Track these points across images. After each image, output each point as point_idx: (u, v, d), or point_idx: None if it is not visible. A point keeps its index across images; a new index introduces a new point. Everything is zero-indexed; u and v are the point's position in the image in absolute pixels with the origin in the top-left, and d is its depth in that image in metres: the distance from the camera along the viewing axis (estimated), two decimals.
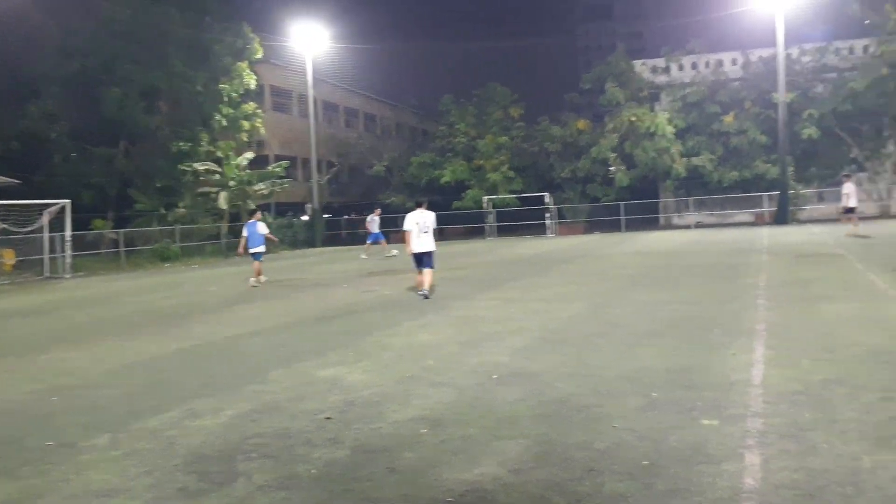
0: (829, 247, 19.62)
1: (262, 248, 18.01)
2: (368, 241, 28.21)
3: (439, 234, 40.41)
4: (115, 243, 30.57)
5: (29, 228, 24.14)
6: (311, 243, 40.07)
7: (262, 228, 18.15)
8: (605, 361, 7.05)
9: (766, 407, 5.28)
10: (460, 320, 10.27)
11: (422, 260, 13.14)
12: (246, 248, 17.99)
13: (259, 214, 18.83)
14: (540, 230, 40.02)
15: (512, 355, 7.57)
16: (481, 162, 44.00)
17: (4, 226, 23.69)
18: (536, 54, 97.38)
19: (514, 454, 4.57)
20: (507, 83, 47.27)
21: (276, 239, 22.37)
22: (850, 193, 23.76)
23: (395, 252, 25.82)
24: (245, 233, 18.05)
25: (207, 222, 34.67)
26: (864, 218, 33.02)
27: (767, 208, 38.41)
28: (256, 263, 18.08)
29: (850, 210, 23.94)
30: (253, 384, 6.97)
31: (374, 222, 28.41)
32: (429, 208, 13.41)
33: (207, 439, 5.29)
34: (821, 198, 40.05)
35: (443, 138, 46.89)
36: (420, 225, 13.05)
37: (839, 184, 38.63)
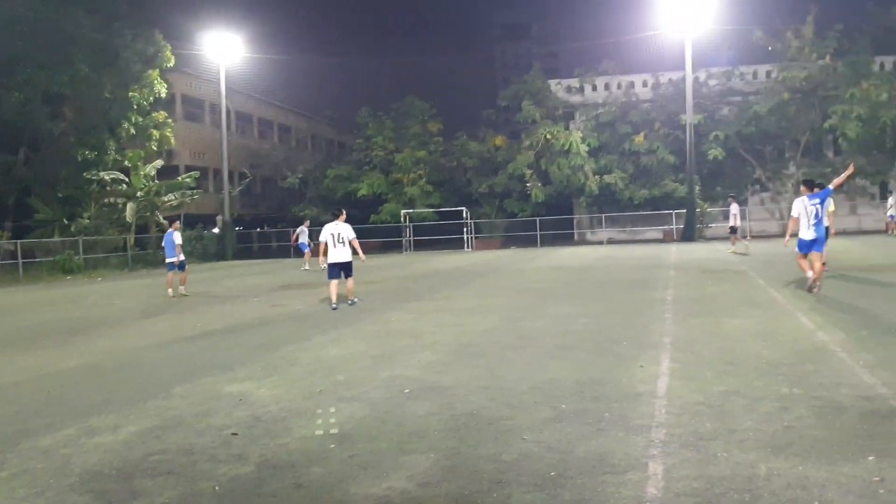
0: (732, 263, 20.44)
1: (176, 259, 17.78)
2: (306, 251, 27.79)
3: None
4: (13, 254, 29.06)
5: None
6: (221, 256, 39.10)
7: (178, 238, 17.91)
8: (516, 374, 7.11)
9: (669, 418, 5.42)
10: (372, 334, 10.19)
11: (338, 271, 13.28)
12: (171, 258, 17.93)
13: (177, 224, 18.58)
14: (457, 244, 40.31)
15: (424, 369, 7.55)
16: (399, 176, 44.00)
17: None
18: (455, 71, 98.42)
19: (422, 468, 4.54)
20: (426, 98, 47.56)
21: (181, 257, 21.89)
22: (736, 214, 25.38)
23: (307, 267, 25.51)
24: (164, 243, 18.15)
25: (113, 234, 33.40)
26: (767, 236, 34.68)
27: (676, 226, 39.80)
28: (170, 274, 17.89)
29: (734, 230, 25.47)
30: (156, 399, 6.73)
31: (304, 233, 28.12)
32: (346, 221, 13.48)
33: (105, 457, 5.06)
34: (725, 216, 41.82)
35: (360, 151, 46.71)
36: (336, 236, 13.17)
37: (743, 203, 40.64)
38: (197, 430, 5.64)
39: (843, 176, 13.74)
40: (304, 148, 60.12)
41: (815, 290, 12.31)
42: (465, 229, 40.65)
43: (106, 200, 33.55)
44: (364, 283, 18.60)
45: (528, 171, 41.87)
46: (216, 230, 42.41)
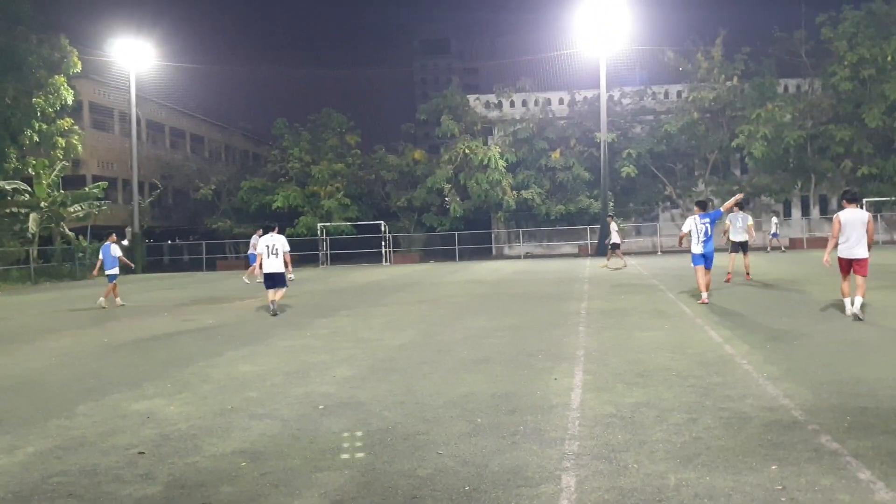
0: (644, 277, 21.06)
1: (115, 271, 18.23)
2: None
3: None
4: None
5: None
6: (130, 269, 37.73)
7: (116, 251, 18.33)
8: (432, 389, 7.12)
9: (582, 430, 5.52)
10: (287, 350, 10.02)
11: (273, 280, 14.33)
12: (101, 270, 18.26)
13: (114, 237, 18.90)
14: (375, 258, 40.16)
15: (339, 385, 7.47)
16: (315, 188, 43.55)
17: None
18: (374, 84, 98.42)
19: (336, 485, 4.49)
20: (344, 110, 47.37)
21: (131, 264, 21.48)
22: (615, 231, 27.00)
23: (246, 280, 24.97)
24: (101, 255, 18.34)
25: (14, 245, 31.81)
26: (677, 251, 35.87)
27: (590, 240, 40.76)
28: (110, 285, 18.19)
29: (616, 245, 26.88)
30: (58, 419, 6.43)
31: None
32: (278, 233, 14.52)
33: (1, 480, 4.79)
34: (638, 231, 43.23)
35: (275, 163, 46.07)
36: (270, 247, 14.22)
37: (654, 219, 42.14)
38: (101, 450, 5.43)
39: (731, 200, 16.10)
40: (218, 159, 58.85)
41: (704, 300, 13.49)
42: (383, 243, 40.54)
43: (7, 210, 31.94)
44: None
45: (447, 186, 42.18)
46: (125, 242, 40.91)
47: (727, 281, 17.47)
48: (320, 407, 6.53)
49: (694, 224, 13.83)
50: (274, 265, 14.24)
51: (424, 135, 51.35)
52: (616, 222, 27.87)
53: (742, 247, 18.24)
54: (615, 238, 26.81)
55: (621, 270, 24.46)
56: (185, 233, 48.41)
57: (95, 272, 18.90)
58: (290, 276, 14.67)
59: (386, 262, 39.61)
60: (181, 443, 5.55)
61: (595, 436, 5.35)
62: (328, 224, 42.03)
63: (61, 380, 8.47)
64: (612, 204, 39.77)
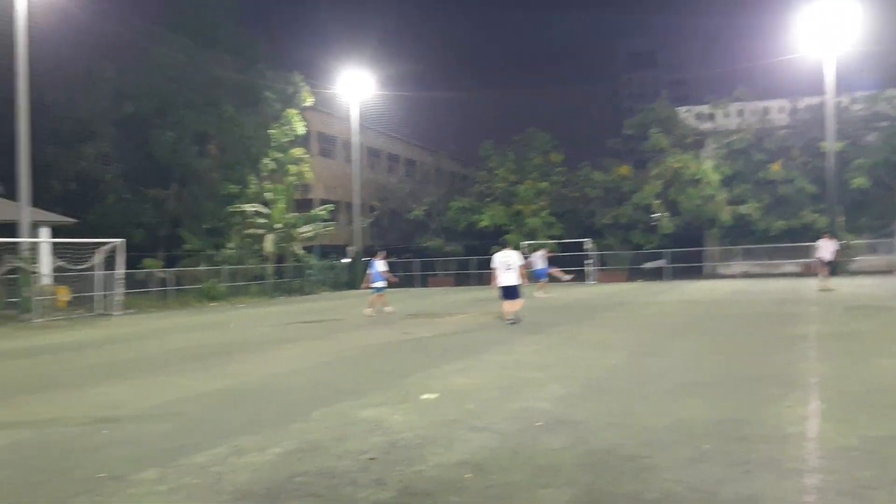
0: (880, 299, 19.13)
1: (381, 283, 20.58)
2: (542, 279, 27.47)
3: (477, 279, 40.25)
4: (164, 282, 31.17)
5: (83, 266, 24.77)
6: (351, 285, 40.36)
7: (382, 266, 20.72)
8: (651, 411, 6.93)
9: (823, 462, 5.13)
10: (499, 365, 10.21)
11: (508, 293, 15.60)
12: (369, 283, 20.90)
13: (381, 254, 21.50)
14: (579, 277, 39.77)
15: (554, 402, 7.49)
16: (520, 207, 44.03)
17: (60, 263, 24.36)
18: (578, 101, 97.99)
19: (560, 502, 4.50)
20: (548, 129, 47.55)
21: (395, 278, 23.48)
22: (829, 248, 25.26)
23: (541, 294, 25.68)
24: (369, 269, 21.06)
25: (254, 263, 35.20)
26: None
27: (815, 259, 37.60)
28: (373, 296, 20.52)
29: (826, 263, 25.18)
30: (297, 422, 7.00)
31: (540, 260, 27.90)
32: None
33: (254, 476, 5.30)
34: (872, 249, 39.13)
35: (482, 183, 47.16)
36: (505, 263, 15.65)
37: (890, 235, 38.00)
38: (336, 454, 5.83)
39: None
40: (429, 181, 61.37)
41: None
42: (588, 261, 40.04)
43: (247, 232, 35.47)
44: (487, 314, 18.74)
45: (656, 202, 40.89)
46: (347, 260, 43.87)
47: None
48: (538, 423, 6.58)
49: None
50: (510, 279, 15.52)
51: (631, 150, 50.16)
52: (833, 239, 26.17)
53: None
54: (824, 255, 25.23)
55: (861, 292, 22.34)
56: (400, 251, 50.93)
57: (365, 284, 21.45)
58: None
59: (592, 280, 39.08)
60: (408, 451, 5.83)
61: (838, 469, 4.94)
62: (533, 242, 42.27)
63: (297, 386, 9.22)
64: (843, 219, 36.45)
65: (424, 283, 42.52)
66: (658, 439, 5.90)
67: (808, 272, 37.25)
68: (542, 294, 25.94)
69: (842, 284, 25.55)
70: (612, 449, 5.66)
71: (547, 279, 27.55)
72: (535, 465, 5.33)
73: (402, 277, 45.74)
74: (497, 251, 16.50)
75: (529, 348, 11.96)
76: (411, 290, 27.62)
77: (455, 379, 9.16)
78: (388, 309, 20.50)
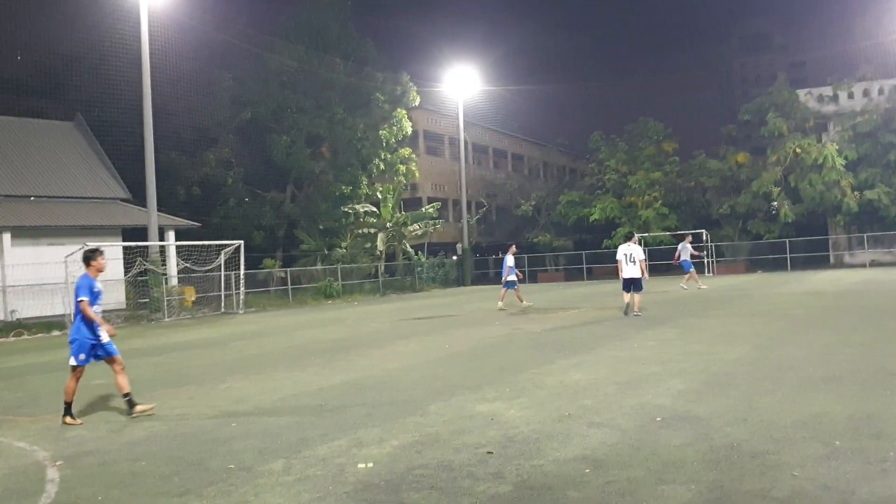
0: None
1: (513, 277, 20.65)
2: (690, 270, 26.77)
3: (588, 273, 39.76)
4: (283, 281, 32.45)
5: (207, 267, 26.13)
6: (461, 282, 40.72)
7: (510, 261, 20.83)
8: (777, 406, 6.65)
9: None
10: (616, 360, 10.05)
11: (630, 285, 15.80)
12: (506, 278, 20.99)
13: (512, 248, 21.93)
14: (697, 269, 38.46)
15: (674, 398, 7.31)
16: (632, 199, 43.06)
17: (186, 265, 25.79)
18: (691, 88, 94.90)
19: (683, 499, 4.40)
20: (660, 118, 46.28)
21: (520, 273, 23.38)
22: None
23: (684, 286, 25.30)
24: (504, 265, 21.22)
25: (366, 262, 36.09)
26: None
27: None
28: (504, 290, 20.84)
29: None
30: (414, 416, 7.14)
31: (685, 250, 26.98)
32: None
33: (374, 468, 5.45)
34: None
35: (592, 176, 46.45)
36: (628, 256, 15.88)
37: None
38: (454, 447, 5.91)
39: None
40: (537, 176, 61.06)
41: None
42: (704, 252, 38.72)
43: (359, 231, 36.42)
44: (600, 308, 18.50)
45: (776, 189, 39.10)
46: (455, 257, 44.27)
47: None
48: (658, 419, 6.45)
49: None
50: (631, 271, 15.79)
51: (747, 136, 48.18)
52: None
53: None
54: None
55: None
56: (507, 248, 51.01)
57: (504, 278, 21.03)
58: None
59: (708, 272, 37.77)
60: (525, 445, 5.84)
61: None
62: (646, 235, 41.27)
63: (413, 380, 9.40)
64: None
65: (534, 278, 42.32)
66: (785, 435, 5.66)
67: None
68: (688, 285, 25.33)
69: None
70: (736, 445, 5.47)
71: (693, 269, 26.50)
72: (656, 461, 5.23)
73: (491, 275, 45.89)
74: (620, 244, 16.91)
75: (647, 342, 11.72)
76: (521, 286, 27.47)
77: (571, 374, 9.09)
78: (525, 303, 20.57)
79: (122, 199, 29.11)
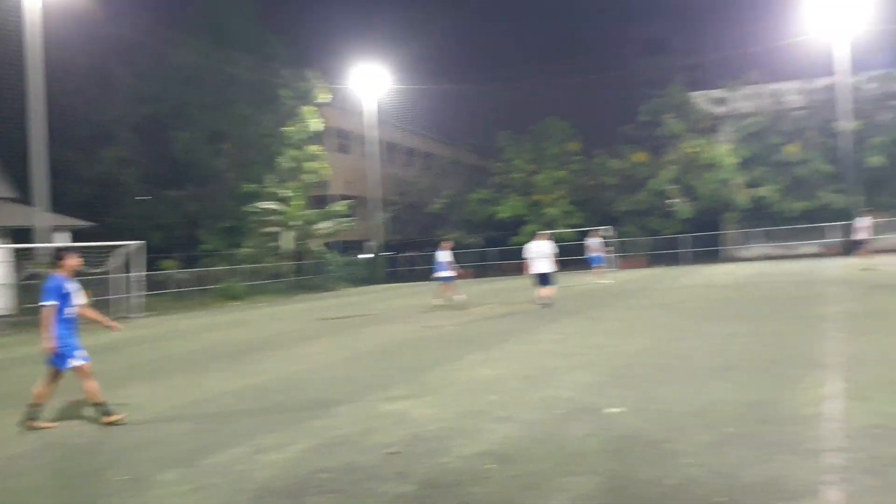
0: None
1: (446, 273, 20.95)
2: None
3: (497, 270, 40.17)
4: (184, 283, 31.41)
5: (102, 269, 25.01)
6: (372, 280, 40.50)
7: (445, 256, 21.07)
8: (674, 396, 6.91)
9: (845, 441, 5.10)
10: (523, 354, 10.22)
11: (541, 279, 16.90)
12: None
13: (445, 244, 21.94)
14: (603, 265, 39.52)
15: (577, 390, 7.48)
16: (539, 197, 43.91)
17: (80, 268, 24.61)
18: (594, 89, 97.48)
19: (584, 490, 4.51)
20: (565, 118, 47.30)
21: (457, 270, 23.01)
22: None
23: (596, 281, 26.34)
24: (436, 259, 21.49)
25: (272, 261, 35.37)
26: None
27: (835, 239, 37.23)
28: (439, 286, 21.02)
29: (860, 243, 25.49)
30: (320, 419, 7.04)
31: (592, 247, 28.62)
32: (548, 239, 17.85)
33: (276, 474, 5.35)
34: (892, 227, 38.65)
35: (500, 174, 47.07)
36: (539, 252, 17.03)
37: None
38: (360, 449, 5.86)
39: None
40: (447, 174, 61.36)
41: None
42: (609, 248, 39.77)
43: (265, 230, 35.62)
44: (509, 304, 18.79)
45: (672, 187, 40.64)
46: (367, 255, 44.02)
47: None
48: (561, 412, 6.58)
49: None
50: (543, 266, 16.79)
51: (647, 136, 49.76)
52: (864, 218, 26.14)
53: None
54: (862, 235, 25.39)
55: (866, 270, 22.09)
56: (420, 245, 50.97)
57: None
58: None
59: (612, 267, 38.82)
60: (432, 443, 5.85)
61: (860, 448, 4.91)
62: (553, 231, 42.04)
63: (320, 382, 9.28)
64: (861, 198, 35.98)
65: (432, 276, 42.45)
66: (682, 424, 5.88)
67: (829, 252, 36.91)
68: (597, 279, 26.41)
69: (861, 264, 25.19)
70: (634, 435, 5.65)
71: (604, 264, 27.80)
72: (559, 453, 5.33)
73: (423, 271, 45.94)
74: (530, 241, 18.03)
75: (553, 337, 11.95)
76: (432, 284, 27.49)
77: (479, 370, 9.17)
78: (458, 297, 20.65)
79: (10, 199, 27.57)
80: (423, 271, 45.41)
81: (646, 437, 5.56)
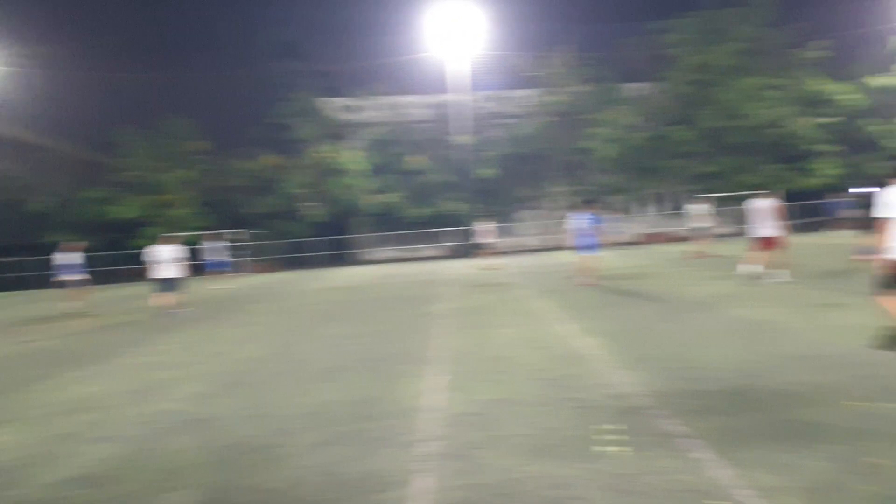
0: (501, 277, 21.53)
1: (78, 277, 19.00)
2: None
3: (113, 276, 37.20)
4: None
5: None
6: None
7: (69, 259, 18.97)
8: (287, 400, 6.90)
9: (441, 430, 5.52)
10: (134, 368, 9.44)
11: (165, 285, 16.18)
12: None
13: (76, 245, 19.82)
14: (229, 269, 38.71)
15: (188, 402, 7.09)
16: (167, 197, 41.56)
17: None
18: (227, 89, 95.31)
19: None
20: (194, 116, 45.46)
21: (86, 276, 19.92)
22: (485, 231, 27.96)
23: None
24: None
25: None
26: (538, 251, 36.96)
27: (453, 242, 41.28)
28: (72, 291, 19.05)
29: (483, 246, 27.68)
30: None
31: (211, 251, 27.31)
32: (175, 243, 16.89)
33: None
34: (503, 232, 44.12)
35: (117, 172, 43.59)
36: (162, 256, 16.24)
37: (519, 219, 43.15)
38: None
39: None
40: (54, 170, 55.01)
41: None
42: (237, 252, 39.14)
43: None
44: (123, 313, 17.45)
45: (304, 191, 41.48)
46: None
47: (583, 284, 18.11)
48: (165, 426, 6.16)
49: (576, 221, 16.80)
50: (168, 271, 16.20)
51: (280, 139, 50.05)
52: (484, 223, 28.77)
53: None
54: (483, 238, 27.77)
55: (487, 271, 24.88)
56: (20, 249, 44.90)
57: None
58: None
59: (242, 271, 38.27)
60: (8, 475, 5.07)
61: (453, 435, 5.36)
62: (180, 234, 40.06)
63: None
64: (474, 206, 40.44)
65: (43, 284, 37.89)
66: (293, 427, 5.88)
67: (448, 255, 40.85)
68: (220, 285, 25.89)
69: (473, 265, 28.17)
70: (243, 442, 5.51)
71: (230, 269, 27.01)
72: (158, 469, 4.96)
73: (23, 279, 40.43)
74: (152, 244, 17.06)
75: (169, 347, 11.24)
76: (32, 292, 24.27)
77: (76, 388, 8.23)
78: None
79: None
80: (24, 279, 40.20)
81: (253, 444, 5.45)
